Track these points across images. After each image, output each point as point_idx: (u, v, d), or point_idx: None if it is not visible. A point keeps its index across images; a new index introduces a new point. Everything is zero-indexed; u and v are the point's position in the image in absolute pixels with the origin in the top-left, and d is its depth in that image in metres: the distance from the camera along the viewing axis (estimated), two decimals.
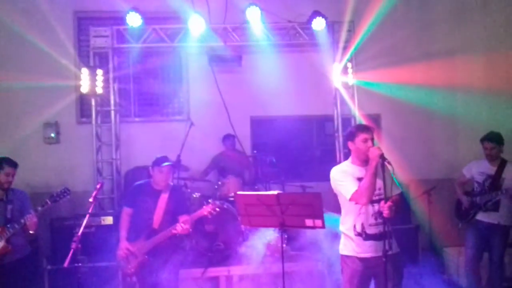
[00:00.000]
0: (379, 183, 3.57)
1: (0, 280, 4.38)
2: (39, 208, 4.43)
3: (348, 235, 3.77)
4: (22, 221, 4.36)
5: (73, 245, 3.91)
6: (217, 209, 4.71)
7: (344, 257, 3.81)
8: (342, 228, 3.84)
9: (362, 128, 3.76)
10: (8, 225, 4.38)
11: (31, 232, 4.44)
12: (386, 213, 3.47)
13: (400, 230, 5.13)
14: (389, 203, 3.48)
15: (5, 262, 4.39)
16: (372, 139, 3.69)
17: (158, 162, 4.66)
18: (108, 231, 5.79)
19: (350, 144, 3.81)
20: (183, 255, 5.21)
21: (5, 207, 4.47)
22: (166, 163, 4.63)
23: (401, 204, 3.83)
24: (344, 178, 3.71)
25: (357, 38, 7.04)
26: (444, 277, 6.43)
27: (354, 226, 3.70)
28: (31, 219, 4.35)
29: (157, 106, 7.95)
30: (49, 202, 4.45)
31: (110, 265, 5.48)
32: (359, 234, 3.69)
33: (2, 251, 4.32)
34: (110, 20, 7.30)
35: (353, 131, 3.81)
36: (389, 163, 3.50)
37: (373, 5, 7.22)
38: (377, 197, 3.64)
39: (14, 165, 4.59)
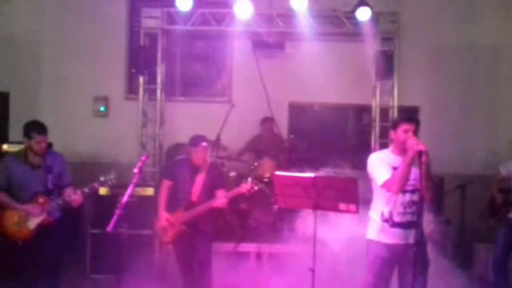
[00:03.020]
0: (414, 173, 3.58)
1: (31, 242, 4.37)
2: (86, 190, 4.43)
3: (375, 220, 3.82)
4: (67, 199, 4.37)
5: (117, 212, 3.89)
6: (255, 188, 4.76)
7: (369, 241, 3.86)
8: (371, 212, 3.91)
9: (405, 118, 3.77)
10: (52, 197, 4.38)
11: (73, 207, 4.45)
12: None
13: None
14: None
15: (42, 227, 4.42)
16: (414, 131, 3.69)
17: (192, 142, 4.78)
18: (149, 201, 5.94)
19: (392, 133, 3.83)
20: (216, 229, 5.37)
21: (46, 176, 4.38)
22: (200, 144, 4.73)
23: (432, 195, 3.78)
24: (380, 164, 3.74)
25: (401, 29, 7.02)
26: (472, 272, 6.43)
27: (382, 212, 3.75)
28: (77, 200, 4.37)
29: (201, 87, 8.17)
30: (96, 186, 4.49)
31: (149, 233, 5.73)
32: (385, 221, 3.73)
33: (43, 222, 4.36)
34: (161, 2, 7.49)
35: (396, 120, 3.88)
36: (426, 155, 3.45)
37: None
38: (410, 187, 3.66)
39: (43, 131, 4.35)
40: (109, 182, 4.56)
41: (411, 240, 3.65)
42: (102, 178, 4.53)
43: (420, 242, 3.55)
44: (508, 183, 5.41)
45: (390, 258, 3.78)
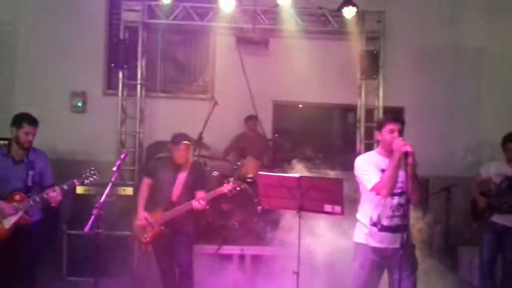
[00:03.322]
0: (402, 176, 3.54)
1: (7, 241, 4.18)
2: (65, 187, 4.25)
3: (363, 223, 3.78)
4: (45, 196, 4.18)
5: (94, 212, 3.79)
6: (238, 188, 4.69)
7: (357, 244, 3.82)
8: (358, 216, 3.85)
9: (390, 119, 3.73)
10: (29, 195, 4.21)
11: (52, 205, 4.27)
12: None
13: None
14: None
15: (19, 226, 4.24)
16: (399, 131, 3.64)
17: (174, 140, 4.68)
18: (127, 201, 5.84)
19: (377, 134, 3.78)
20: (198, 231, 5.26)
21: (26, 172, 4.26)
22: (181, 143, 4.63)
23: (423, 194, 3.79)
24: (368, 167, 3.68)
25: (386, 29, 6.99)
26: (457, 275, 6.40)
27: (371, 217, 3.70)
28: (55, 197, 4.18)
29: (183, 83, 8.00)
30: (76, 183, 4.32)
31: (127, 234, 5.53)
32: (374, 224, 3.69)
33: (19, 221, 4.19)
34: None
35: (381, 120, 3.84)
36: (412, 157, 3.42)
37: None
38: (398, 190, 3.62)
39: (34, 123, 4.28)
40: (91, 178, 4.39)
41: (399, 244, 3.54)
42: (83, 174, 4.37)
43: (407, 245, 3.48)
44: (489, 185, 5.36)
45: (378, 262, 3.75)
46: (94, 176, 4.39)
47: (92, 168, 4.43)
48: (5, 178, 4.22)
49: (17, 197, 4.20)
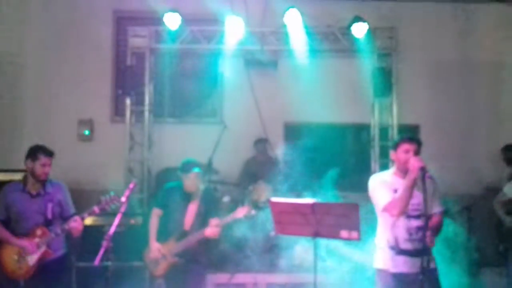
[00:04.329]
0: (418, 197, 3.44)
1: (33, 279, 4.18)
2: (85, 216, 4.21)
3: (381, 247, 3.70)
4: (66, 227, 4.16)
5: (104, 244, 3.76)
6: (252, 212, 4.58)
7: (378, 271, 3.74)
8: (376, 240, 3.78)
9: (405, 139, 3.68)
10: (50, 228, 4.17)
11: (74, 236, 4.26)
12: (429, 242, 3.36)
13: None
14: (428, 233, 3.34)
15: (43, 262, 4.21)
16: (415, 151, 3.57)
17: (184, 168, 4.59)
18: (137, 231, 5.71)
19: (392, 153, 3.74)
20: (210, 259, 5.17)
21: (45, 205, 4.22)
22: (192, 171, 4.54)
23: (441, 224, 3.69)
24: (380, 187, 3.64)
25: (399, 45, 6.88)
26: None
27: (388, 239, 3.63)
28: (77, 227, 4.15)
29: (191, 108, 7.90)
30: (97, 210, 4.21)
31: (138, 265, 5.42)
32: (392, 248, 3.61)
33: (43, 256, 4.16)
34: (148, 21, 7.31)
35: (397, 140, 3.78)
36: (430, 177, 3.39)
37: (416, 12, 7.04)
38: (415, 212, 3.54)
39: (49, 154, 4.25)
40: (110, 204, 4.22)
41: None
42: (102, 198, 4.21)
43: (427, 270, 3.35)
44: None
45: (400, 287, 3.62)
46: (115, 201, 4.22)
47: (112, 192, 4.30)
48: (24, 214, 4.19)
49: (39, 231, 4.17)
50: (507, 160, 6.78)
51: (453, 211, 6.50)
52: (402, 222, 3.57)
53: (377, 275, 3.74)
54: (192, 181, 4.57)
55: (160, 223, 4.67)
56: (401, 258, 3.57)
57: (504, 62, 7.62)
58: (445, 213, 4.12)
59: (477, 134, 7.64)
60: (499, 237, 5.37)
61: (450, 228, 5.30)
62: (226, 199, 6.31)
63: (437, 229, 3.56)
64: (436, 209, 3.61)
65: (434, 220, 3.53)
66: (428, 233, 3.36)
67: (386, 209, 3.55)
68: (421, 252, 3.39)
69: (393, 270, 3.60)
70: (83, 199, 4.49)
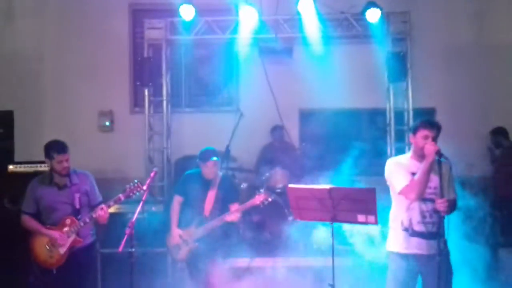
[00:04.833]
0: (435, 181, 3.50)
1: (65, 267, 4.29)
2: (111, 204, 4.29)
3: (395, 229, 3.74)
4: (94, 215, 4.24)
5: (127, 231, 3.84)
6: (269, 199, 4.65)
7: (390, 253, 3.78)
8: (390, 222, 3.81)
9: (425, 124, 3.64)
10: (79, 217, 4.26)
11: (100, 224, 4.38)
12: (442, 210, 3.39)
13: None
14: (444, 199, 3.40)
15: (73, 250, 4.33)
16: (434, 137, 3.57)
17: (202, 157, 4.69)
18: (158, 218, 5.78)
19: (411, 137, 3.74)
20: (230, 244, 5.28)
21: (72, 195, 4.29)
22: (210, 159, 4.64)
23: (455, 207, 3.71)
24: (398, 170, 3.66)
25: (413, 29, 6.83)
26: (500, 277, 6.15)
27: (402, 221, 3.67)
28: (103, 215, 4.23)
29: (208, 97, 8.03)
30: (122, 198, 4.28)
31: (160, 251, 5.52)
32: (405, 229, 3.65)
33: (73, 245, 4.26)
34: (164, 13, 7.39)
35: (417, 125, 3.74)
36: (446, 159, 3.42)
37: None
38: (430, 196, 3.57)
39: (63, 150, 4.25)
40: (135, 191, 4.29)
41: (433, 251, 3.50)
42: (127, 188, 4.29)
43: (443, 252, 3.43)
44: None
45: (412, 270, 3.69)
46: (139, 189, 4.28)
47: (136, 180, 4.35)
48: (53, 206, 4.29)
49: (68, 221, 4.26)
50: (496, 143, 6.82)
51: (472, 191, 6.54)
52: (417, 205, 3.59)
53: (390, 257, 3.78)
54: (211, 169, 4.68)
55: (180, 210, 4.79)
56: (415, 240, 3.61)
57: None
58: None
59: (493, 114, 7.56)
60: None
61: (471, 202, 5.29)
62: (244, 185, 6.41)
63: (450, 209, 3.54)
64: (451, 195, 3.61)
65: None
66: (444, 199, 3.39)
67: (402, 192, 3.58)
68: (434, 235, 3.46)
69: (407, 251, 3.64)
70: (106, 187, 4.61)
